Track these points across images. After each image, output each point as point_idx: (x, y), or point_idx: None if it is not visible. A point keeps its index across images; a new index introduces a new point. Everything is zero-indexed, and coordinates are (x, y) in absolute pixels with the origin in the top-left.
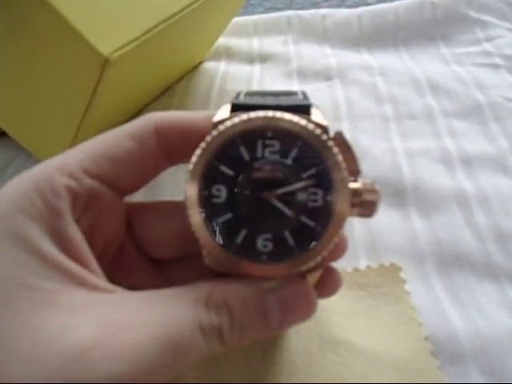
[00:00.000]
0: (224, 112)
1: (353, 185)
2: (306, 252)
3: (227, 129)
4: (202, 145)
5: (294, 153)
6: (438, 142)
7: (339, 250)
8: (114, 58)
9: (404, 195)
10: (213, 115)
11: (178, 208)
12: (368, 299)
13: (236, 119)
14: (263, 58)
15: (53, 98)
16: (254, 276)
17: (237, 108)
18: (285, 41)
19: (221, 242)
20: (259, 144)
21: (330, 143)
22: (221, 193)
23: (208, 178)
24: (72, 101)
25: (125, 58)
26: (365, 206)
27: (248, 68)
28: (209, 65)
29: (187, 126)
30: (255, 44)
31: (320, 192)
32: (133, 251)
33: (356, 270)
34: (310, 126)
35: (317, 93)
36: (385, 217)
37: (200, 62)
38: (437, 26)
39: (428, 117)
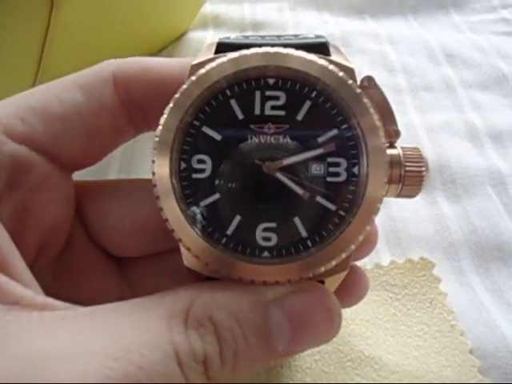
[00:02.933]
0: (207, 53)
1: (390, 151)
2: (325, 246)
3: (211, 73)
4: (176, 97)
5: (306, 107)
6: (461, 116)
7: (369, 243)
8: None
9: (428, 175)
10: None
11: (147, 188)
12: (395, 302)
13: (224, 59)
14: (256, 27)
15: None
16: (251, 280)
17: (225, 48)
18: (280, 7)
19: (205, 233)
20: (257, 95)
21: (358, 91)
22: (204, 165)
23: (185, 144)
24: (25, 48)
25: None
26: (408, 181)
27: None
28: (194, 35)
29: (157, 74)
30: (247, 11)
31: (343, 162)
32: (85, 246)
33: (377, 266)
34: (331, 67)
35: None
36: (407, 201)
37: (184, 32)
38: None
39: (446, 88)
